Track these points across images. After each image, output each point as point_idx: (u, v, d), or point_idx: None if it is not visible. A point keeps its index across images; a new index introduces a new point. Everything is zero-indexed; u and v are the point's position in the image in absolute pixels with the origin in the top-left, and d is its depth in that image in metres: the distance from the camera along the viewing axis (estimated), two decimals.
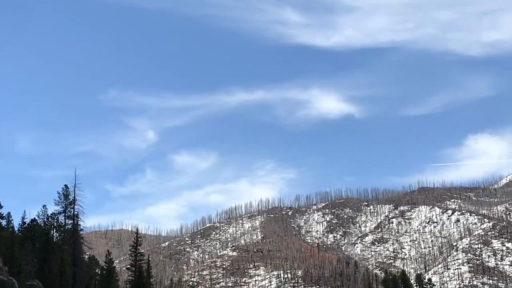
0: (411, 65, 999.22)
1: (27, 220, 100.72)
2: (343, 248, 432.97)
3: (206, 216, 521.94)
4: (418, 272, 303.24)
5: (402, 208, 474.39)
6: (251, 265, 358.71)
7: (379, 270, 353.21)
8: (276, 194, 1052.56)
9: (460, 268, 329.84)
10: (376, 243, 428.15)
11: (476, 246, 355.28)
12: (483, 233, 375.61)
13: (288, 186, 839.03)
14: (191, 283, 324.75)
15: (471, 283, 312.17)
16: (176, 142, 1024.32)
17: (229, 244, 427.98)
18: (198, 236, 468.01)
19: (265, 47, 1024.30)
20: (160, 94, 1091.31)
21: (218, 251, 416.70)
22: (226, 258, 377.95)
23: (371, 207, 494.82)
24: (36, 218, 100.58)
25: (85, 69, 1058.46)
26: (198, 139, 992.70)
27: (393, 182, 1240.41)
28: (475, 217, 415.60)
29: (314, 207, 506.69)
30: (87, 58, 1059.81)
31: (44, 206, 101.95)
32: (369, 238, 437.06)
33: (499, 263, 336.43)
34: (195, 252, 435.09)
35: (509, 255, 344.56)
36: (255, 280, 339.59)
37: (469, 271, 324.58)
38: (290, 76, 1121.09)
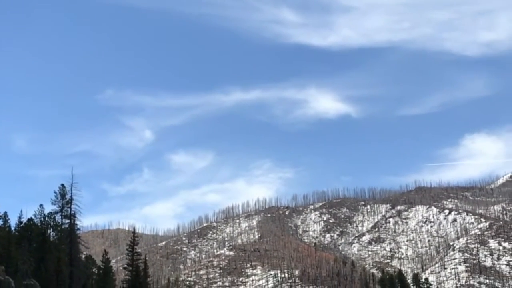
0: (407, 65, 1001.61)
1: (24, 220, 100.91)
2: (340, 247, 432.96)
3: (203, 215, 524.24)
4: (415, 271, 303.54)
5: (399, 207, 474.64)
6: (248, 265, 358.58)
7: (376, 269, 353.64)
8: (273, 193, 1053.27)
9: (457, 268, 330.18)
10: (373, 242, 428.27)
11: (473, 246, 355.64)
12: (479, 232, 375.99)
13: (285, 186, 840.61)
14: (188, 282, 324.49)
15: (468, 283, 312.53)
16: (173, 142, 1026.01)
17: (226, 243, 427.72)
18: (195, 236, 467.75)
19: (262, 47, 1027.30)
20: (157, 94, 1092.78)
21: (215, 250, 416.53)
22: (223, 257, 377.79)
23: (368, 206, 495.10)
24: (33, 217, 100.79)
25: (82, 68, 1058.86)
26: (195, 139, 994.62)
27: (390, 181, 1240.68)
28: (472, 216, 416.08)
29: (311, 206, 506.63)
30: (84, 58, 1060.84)
31: (41, 205, 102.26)
32: (366, 238, 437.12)
33: (495, 262, 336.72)
34: (192, 252, 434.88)
35: (506, 254, 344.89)
36: (252, 280, 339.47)
37: (466, 271, 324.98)
38: (287, 75, 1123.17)
